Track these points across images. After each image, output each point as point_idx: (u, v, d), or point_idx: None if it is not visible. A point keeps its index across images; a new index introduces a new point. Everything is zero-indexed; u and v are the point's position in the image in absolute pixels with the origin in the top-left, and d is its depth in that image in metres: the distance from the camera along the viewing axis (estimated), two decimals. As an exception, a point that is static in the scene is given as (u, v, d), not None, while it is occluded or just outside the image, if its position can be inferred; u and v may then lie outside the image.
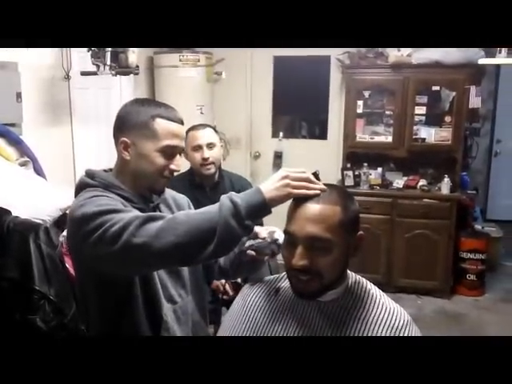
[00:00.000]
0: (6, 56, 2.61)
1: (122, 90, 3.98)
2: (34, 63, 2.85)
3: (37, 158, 2.83)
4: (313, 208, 1.07)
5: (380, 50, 4.06)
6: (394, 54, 3.93)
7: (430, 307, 3.92)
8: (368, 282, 1.22)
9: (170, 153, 1.32)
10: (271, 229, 1.29)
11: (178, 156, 1.35)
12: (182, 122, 1.36)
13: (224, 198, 1.11)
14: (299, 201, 1.09)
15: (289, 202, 1.12)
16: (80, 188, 1.31)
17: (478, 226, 4.43)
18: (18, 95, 2.71)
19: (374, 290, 1.19)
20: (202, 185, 2.48)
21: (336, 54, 4.30)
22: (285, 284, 1.22)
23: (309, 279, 1.07)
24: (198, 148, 2.39)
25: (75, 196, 1.30)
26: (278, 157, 4.72)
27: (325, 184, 1.13)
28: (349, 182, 4.19)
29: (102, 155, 3.49)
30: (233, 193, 1.12)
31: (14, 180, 2.31)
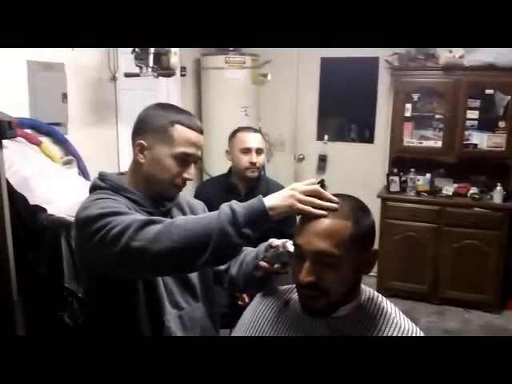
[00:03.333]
0: (52, 57, 2.71)
1: (169, 92, 4.05)
2: (80, 64, 2.94)
3: (81, 157, 2.92)
4: (322, 222, 1.02)
5: (431, 51, 3.91)
6: (445, 55, 3.76)
7: (478, 321, 3.73)
8: (384, 298, 1.16)
9: (184, 160, 1.32)
10: (285, 240, 1.25)
11: (192, 165, 1.35)
12: (201, 132, 1.35)
13: (224, 205, 1.09)
14: None
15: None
16: (91, 190, 1.33)
17: (534, 238, 4.17)
18: (64, 95, 2.81)
19: (388, 307, 1.13)
20: (238, 189, 2.47)
21: (385, 56, 4.17)
22: (295, 296, 1.17)
23: (316, 295, 1.03)
24: (247, 151, 2.39)
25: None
26: (323, 160, 4.65)
27: (337, 195, 1.08)
28: (394, 187, 4.06)
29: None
30: (234, 201, 1.10)
31: (55, 178, 2.38)
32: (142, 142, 1.32)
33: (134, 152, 1.35)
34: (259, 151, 2.42)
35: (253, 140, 2.41)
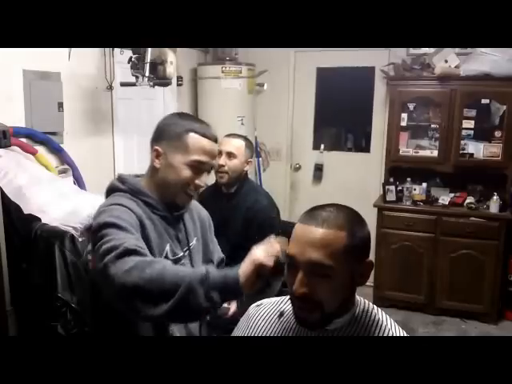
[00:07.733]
0: (48, 66, 2.71)
1: (165, 101, 4.05)
2: (76, 73, 2.94)
3: (76, 166, 2.91)
4: (315, 232, 1.00)
5: (426, 61, 3.93)
6: (441, 65, 3.79)
7: (475, 332, 3.72)
8: (379, 310, 1.14)
9: (197, 168, 1.34)
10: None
11: (205, 173, 1.37)
12: (215, 140, 1.38)
13: (202, 266, 1.13)
14: (302, 223, 1.04)
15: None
16: (110, 191, 1.36)
17: (530, 248, 4.17)
18: (60, 105, 2.80)
19: (383, 319, 1.11)
20: (222, 194, 2.48)
21: (380, 66, 4.20)
22: (289, 307, 1.16)
23: (310, 307, 1.01)
24: (219, 154, 2.40)
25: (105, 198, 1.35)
26: (319, 169, 4.66)
27: (332, 205, 1.07)
28: (391, 197, 4.06)
29: (143, 165, 3.55)
30: (212, 266, 1.13)
31: (50, 187, 2.37)
32: (157, 148, 1.35)
33: (151, 157, 1.38)
34: (230, 155, 2.41)
35: (226, 143, 2.43)
